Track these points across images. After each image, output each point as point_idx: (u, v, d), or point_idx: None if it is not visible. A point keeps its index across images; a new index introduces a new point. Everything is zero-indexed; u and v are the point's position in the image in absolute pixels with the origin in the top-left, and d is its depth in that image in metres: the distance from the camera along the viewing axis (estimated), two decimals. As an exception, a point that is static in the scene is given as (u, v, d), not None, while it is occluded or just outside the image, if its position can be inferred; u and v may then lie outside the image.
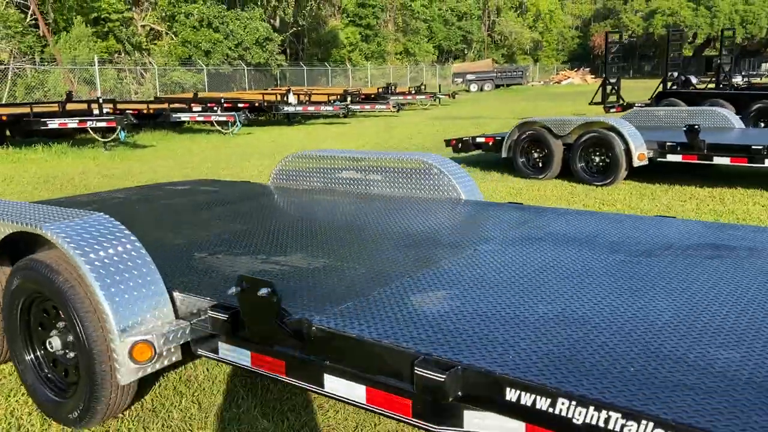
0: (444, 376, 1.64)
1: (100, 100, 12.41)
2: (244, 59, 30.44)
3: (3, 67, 25.09)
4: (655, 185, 7.41)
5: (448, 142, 9.63)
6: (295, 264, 2.65)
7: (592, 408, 1.47)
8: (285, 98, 17.97)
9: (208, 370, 2.90)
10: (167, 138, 14.89)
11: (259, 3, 31.85)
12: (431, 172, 4.16)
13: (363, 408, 1.89)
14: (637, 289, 2.22)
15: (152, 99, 21.04)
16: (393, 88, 26.03)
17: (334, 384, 1.93)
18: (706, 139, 6.79)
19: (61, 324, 2.41)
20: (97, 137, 12.32)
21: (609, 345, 1.77)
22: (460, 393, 1.68)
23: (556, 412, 1.52)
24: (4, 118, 11.95)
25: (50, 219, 2.35)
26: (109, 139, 12.30)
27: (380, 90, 25.21)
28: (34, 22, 27.17)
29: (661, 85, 15.55)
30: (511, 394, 1.60)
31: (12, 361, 2.63)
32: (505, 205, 3.90)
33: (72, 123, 11.88)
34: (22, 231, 2.38)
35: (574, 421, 1.50)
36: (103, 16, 29.91)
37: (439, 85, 31.91)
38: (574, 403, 1.49)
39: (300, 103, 18.29)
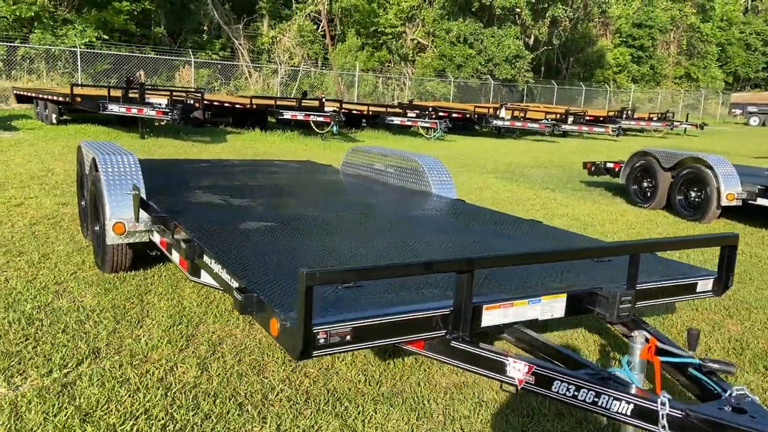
0: (185, 246, 3.11)
1: (323, 99, 15.23)
2: (493, 74, 32.21)
3: (296, 68, 30.82)
4: (748, 228, 7.19)
5: (584, 165, 10.13)
6: (231, 203, 4.25)
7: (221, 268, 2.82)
8: (497, 112, 19.22)
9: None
10: (380, 137, 17.32)
11: (517, 21, 33.31)
12: (418, 170, 5.37)
13: (179, 267, 3.44)
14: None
15: (400, 103, 24.07)
16: (630, 112, 25.30)
17: (174, 255, 3.51)
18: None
19: (105, 212, 4.36)
20: (317, 129, 15.17)
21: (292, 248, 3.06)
22: (195, 258, 3.12)
23: (215, 271, 2.89)
24: (254, 106, 15.44)
25: (101, 153, 4.30)
26: (324, 131, 15.06)
27: (612, 113, 24.78)
28: (323, 32, 32.56)
29: None
30: (208, 260, 3.00)
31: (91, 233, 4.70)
32: (451, 200, 4.94)
33: (300, 115, 14.86)
34: (93, 157, 4.38)
35: (220, 275, 2.85)
36: (380, 30, 34.42)
37: (687, 114, 29.72)
38: (217, 263, 2.86)
39: (513, 118, 19.36)
